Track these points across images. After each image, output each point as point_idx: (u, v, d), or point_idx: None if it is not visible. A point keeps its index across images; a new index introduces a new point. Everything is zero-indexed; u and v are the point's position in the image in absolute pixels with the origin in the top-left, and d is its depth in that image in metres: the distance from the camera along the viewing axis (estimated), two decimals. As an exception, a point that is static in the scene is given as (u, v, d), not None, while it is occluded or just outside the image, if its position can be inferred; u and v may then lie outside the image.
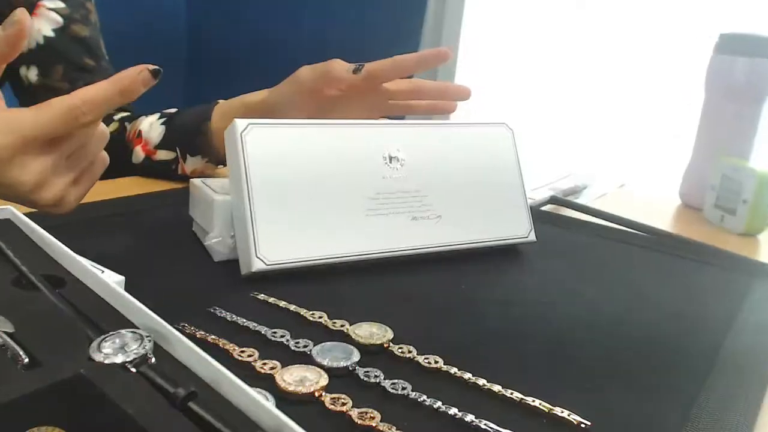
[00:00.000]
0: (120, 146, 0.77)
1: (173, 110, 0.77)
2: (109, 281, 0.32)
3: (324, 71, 0.63)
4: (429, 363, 0.40)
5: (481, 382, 0.38)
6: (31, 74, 0.79)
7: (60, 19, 0.80)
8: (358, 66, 0.62)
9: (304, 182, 0.52)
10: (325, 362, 0.39)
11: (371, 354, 0.41)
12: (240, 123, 0.51)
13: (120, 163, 0.77)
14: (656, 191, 0.97)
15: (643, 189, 0.99)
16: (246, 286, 0.49)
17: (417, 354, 0.41)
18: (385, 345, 0.42)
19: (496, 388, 0.37)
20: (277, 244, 0.49)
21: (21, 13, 0.42)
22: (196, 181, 0.57)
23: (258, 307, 0.46)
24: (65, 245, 0.36)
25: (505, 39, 1.75)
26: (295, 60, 0.70)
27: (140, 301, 0.31)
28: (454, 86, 0.70)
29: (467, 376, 0.39)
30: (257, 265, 0.49)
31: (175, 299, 0.46)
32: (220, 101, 0.72)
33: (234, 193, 0.51)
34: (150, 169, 0.76)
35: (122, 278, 0.41)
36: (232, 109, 0.70)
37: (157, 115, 0.77)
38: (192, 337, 0.40)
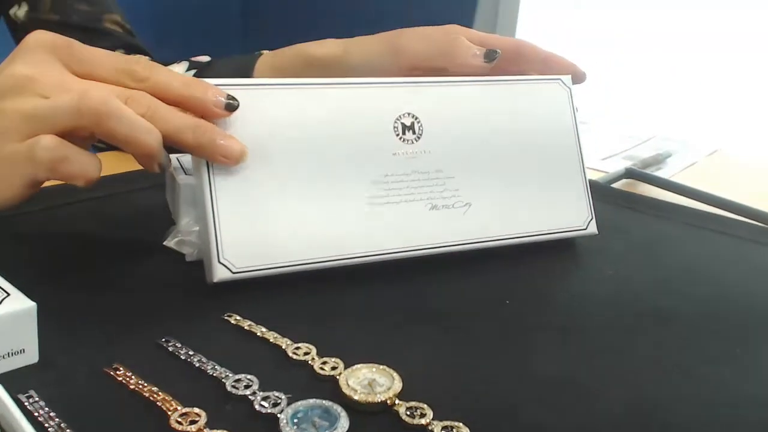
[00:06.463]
0: None
1: (205, 58, 0.61)
2: None
3: (446, 52, 0.47)
4: (450, 435, 0.28)
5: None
6: (21, 12, 0.70)
7: None
8: (492, 52, 0.46)
9: (285, 161, 0.38)
10: (295, 437, 0.27)
11: (368, 415, 0.29)
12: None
13: None
14: (761, 157, 0.79)
15: (743, 156, 0.81)
16: (217, 301, 0.37)
17: (434, 418, 0.29)
18: (389, 402, 0.29)
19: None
20: (247, 244, 0.37)
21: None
22: (170, 157, 0.46)
23: (227, 337, 0.34)
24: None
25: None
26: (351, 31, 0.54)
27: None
28: (562, 60, 0.50)
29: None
30: (220, 274, 0.37)
31: (118, 322, 0.35)
32: (265, 52, 0.56)
33: (195, 174, 0.39)
34: None
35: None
36: (285, 62, 0.54)
37: (185, 64, 0.61)
38: (124, 387, 0.29)
